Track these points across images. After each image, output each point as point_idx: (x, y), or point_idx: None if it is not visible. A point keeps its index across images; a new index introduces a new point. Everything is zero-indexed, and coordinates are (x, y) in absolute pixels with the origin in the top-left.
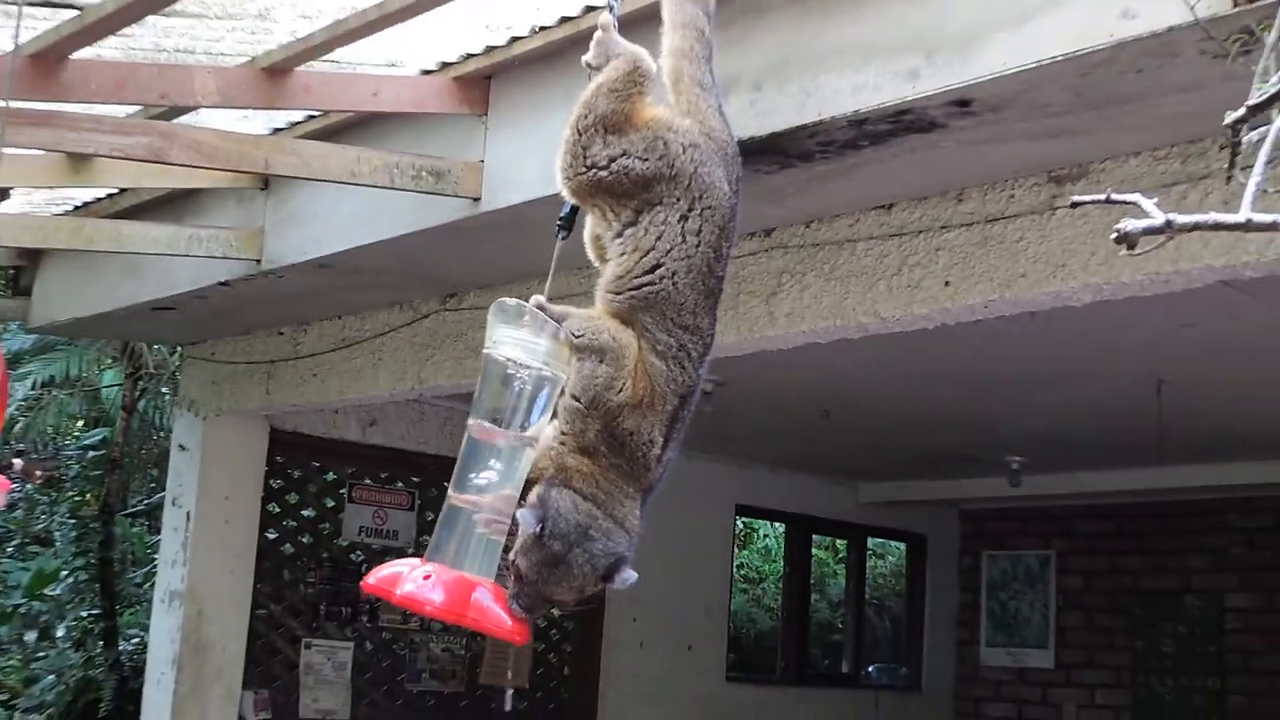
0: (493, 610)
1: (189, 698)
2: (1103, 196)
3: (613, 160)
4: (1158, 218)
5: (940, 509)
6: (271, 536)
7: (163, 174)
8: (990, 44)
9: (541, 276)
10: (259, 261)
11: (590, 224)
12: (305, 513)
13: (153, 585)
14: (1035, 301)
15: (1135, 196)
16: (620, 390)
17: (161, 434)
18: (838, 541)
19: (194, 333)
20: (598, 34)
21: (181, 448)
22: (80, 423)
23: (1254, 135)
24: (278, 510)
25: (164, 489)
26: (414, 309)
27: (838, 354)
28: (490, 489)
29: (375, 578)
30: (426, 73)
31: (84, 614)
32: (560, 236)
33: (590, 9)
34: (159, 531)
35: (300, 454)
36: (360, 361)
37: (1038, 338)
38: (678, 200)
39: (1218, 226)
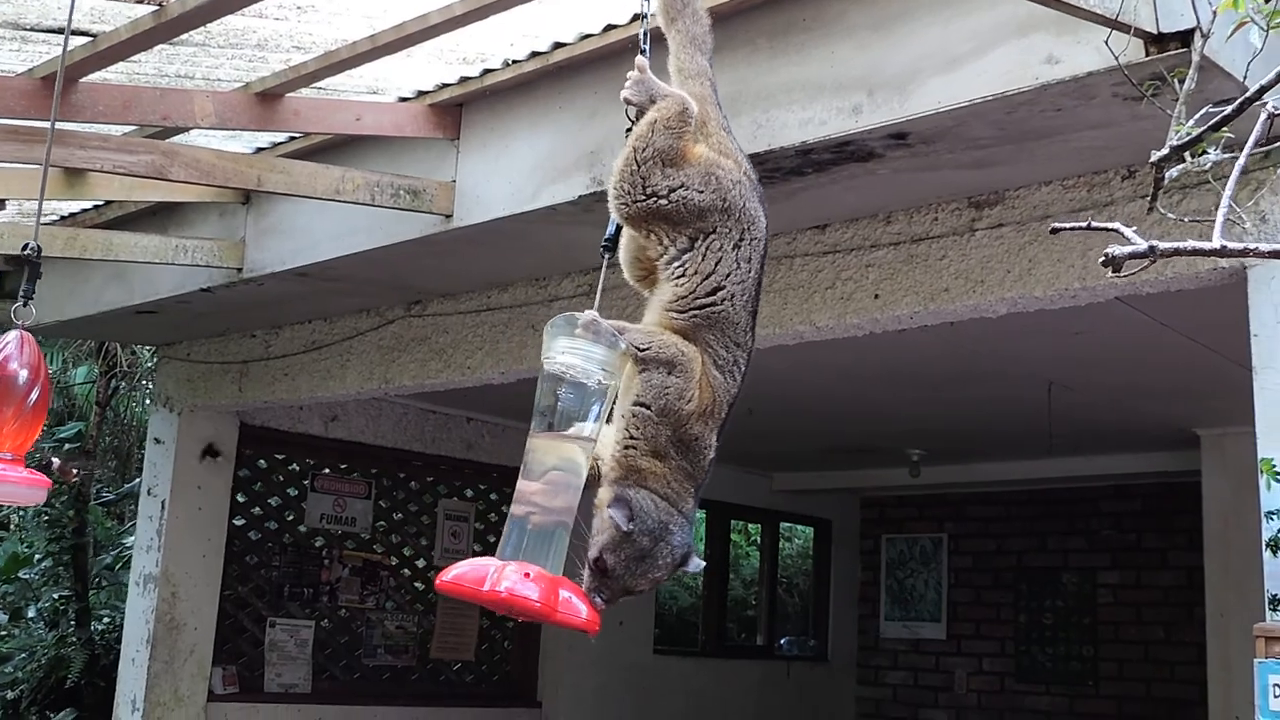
0: (577, 604)
1: (162, 674)
2: (1084, 224)
3: (672, 191)
4: (1140, 244)
5: (845, 496)
6: (239, 523)
7: (153, 188)
8: (927, 84)
9: (502, 285)
10: (240, 270)
11: (632, 247)
12: (271, 501)
13: (121, 569)
14: (956, 313)
15: (1116, 225)
16: (690, 400)
17: (131, 429)
18: (751, 526)
19: (172, 334)
20: (634, 74)
21: (156, 441)
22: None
23: (1174, 171)
24: (245, 499)
25: (132, 480)
26: (381, 315)
27: (759, 357)
28: (554, 490)
29: (454, 576)
30: (404, 99)
31: (56, 595)
32: (606, 256)
33: (559, 45)
34: (127, 519)
35: (267, 447)
36: (329, 363)
37: (944, 341)
38: (730, 230)
39: (1195, 252)
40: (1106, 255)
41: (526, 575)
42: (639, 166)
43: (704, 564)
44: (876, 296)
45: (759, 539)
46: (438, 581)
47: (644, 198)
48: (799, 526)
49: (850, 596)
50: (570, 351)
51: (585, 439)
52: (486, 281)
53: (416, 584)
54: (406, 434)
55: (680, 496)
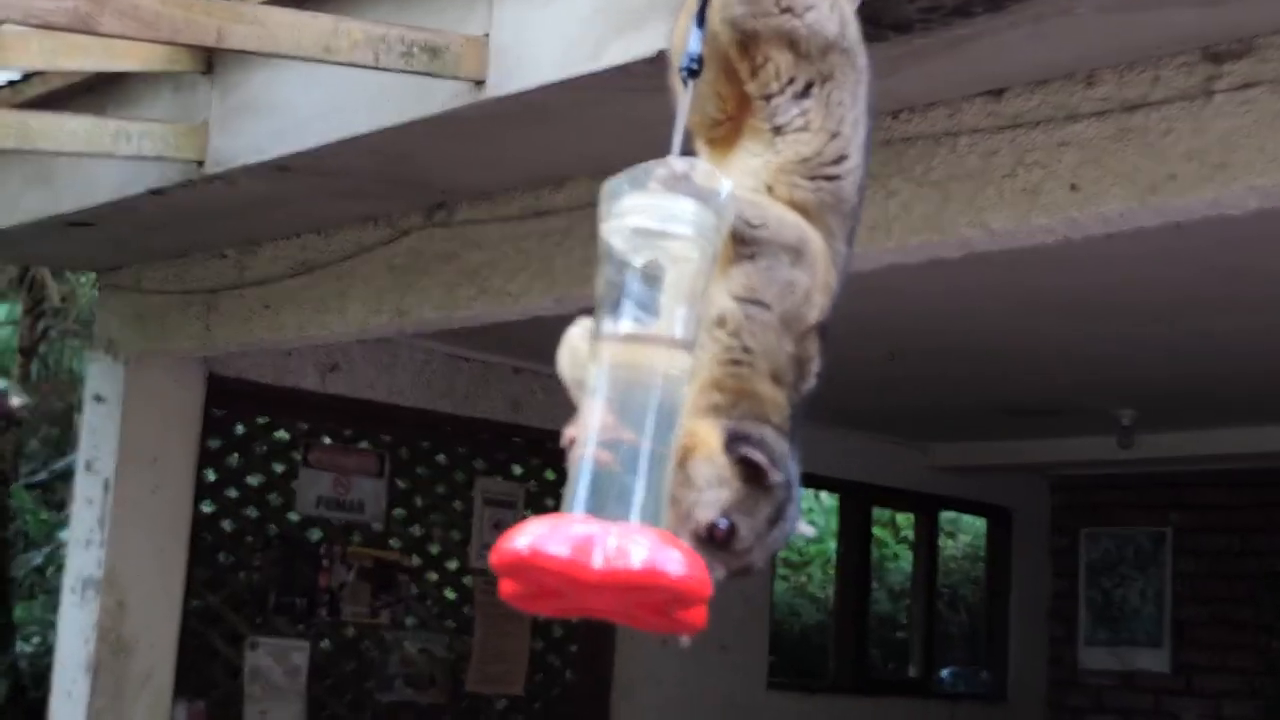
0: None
1: (107, 712)
2: None
3: (807, 9)
4: None
5: (1029, 475)
6: (209, 510)
7: (82, 53)
8: None
9: (555, 181)
10: (201, 164)
11: (716, 83)
12: (250, 480)
13: (58, 572)
14: (1186, 210)
15: None
16: (815, 306)
17: (69, 384)
18: (900, 516)
19: (115, 255)
20: None
21: (97, 399)
22: None
23: None
24: (216, 477)
25: (71, 452)
26: (393, 224)
27: (908, 278)
28: (641, 418)
29: (531, 544)
30: None
31: None
32: (689, 81)
33: None
34: (64, 506)
35: (244, 406)
36: (324, 290)
37: (1168, 252)
38: (847, 80)
39: None
40: None
41: (642, 533)
42: None
43: (814, 529)
44: (1074, 188)
45: (911, 535)
46: (496, 560)
47: (776, 11)
48: (966, 517)
49: (1037, 613)
50: (644, 212)
51: (681, 342)
52: (533, 177)
53: (446, 591)
54: (431, 389)
55: (790, 439)
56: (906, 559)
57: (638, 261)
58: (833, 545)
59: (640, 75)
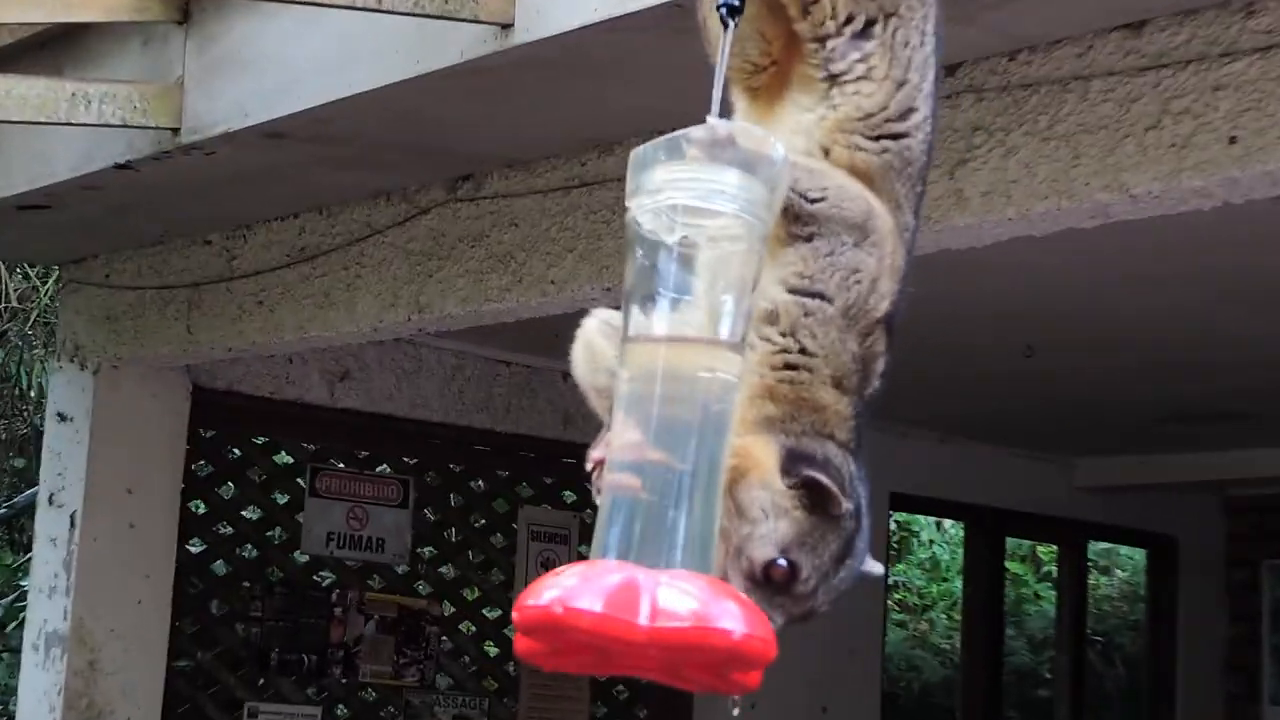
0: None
1: None
2: None
3: None
4: None
5: (1198, 496)
6: (197, 550)
7: (33, 1)
8: None
9: (608, 143)
10: (176, 131)
11: (759, 18)
12: (247, 513)
13: (17, 628)
14: None
15: None
16: (883, 295)
17: (26, 402)
18: (1041, 549)
19: (78, 245)
20: None
21: (61, 418)
22: None
23: None
24: (205, 510)
25: (32, 484)
26: (409, 200)
27: (1047, 253)
28: (685, 437)
29: (560, 595)
30: None
31: None
32: (733, 22)
33: None
34: (27, 547)
35: (238, 425)
36: (328, 281)
37: None
38: (915, 13)
39: None
40: None
41: (691, 582)
42: None
43: (882, 568)
44: (1233, 140)
45: (1054, 570)
46: (521, 618)
47: None
48: (1121, 549)
49: (1211, 665)
50: (682, 186)
51: (728, 342)
52: (576, 140)
53: (486, 645)
54: (463, 400)
55: (856, 456)
56: (1049, 600)
57: (673, 244)
58: (958, 584)
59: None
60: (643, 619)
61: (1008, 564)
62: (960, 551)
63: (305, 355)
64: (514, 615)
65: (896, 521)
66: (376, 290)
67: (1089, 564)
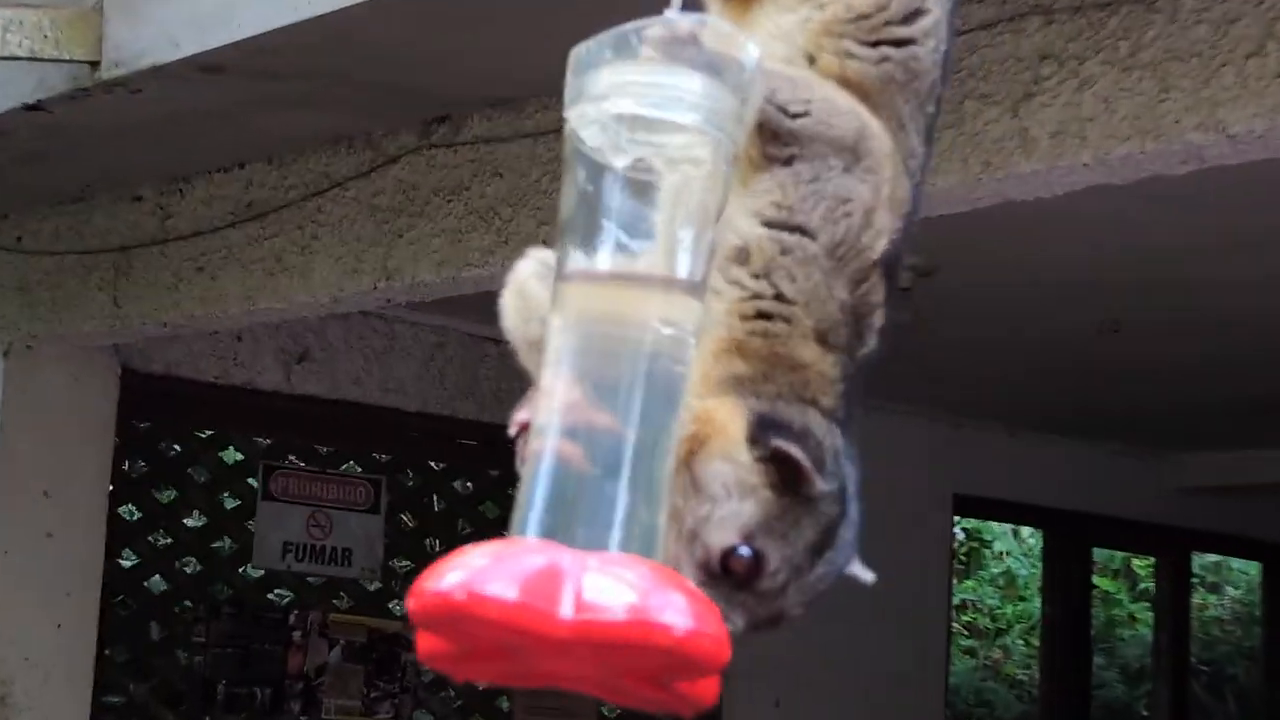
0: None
1: None
2: None
3: None
4: None
5: None
6: (130, 564)
7: None
8: None
9: None
10: (96, 65)
11: None
12: (189, 520)
13: None
14: None
15: None
16: (879, 232)
17: None
18: (1136, 561)
19: None
20: None
21: None
22: None
23: None
24: (139, 516)
25: None
26: (375, 147)
27: (1130, 206)
28: (622, 394)
29: (465, 579)
30: None
31: None
32: None
33: None
34: None
35: (176, 415)
36: (280, 243)
37: None
38: None
39: None
40: None
41: (629, 566)
42: None
43: (873, 576)
44: None
45: (1151, 587)
46: (415, 605)
47: None
48: (1232, 561)
49: None
50: (629, 93)
51: (686, 284)
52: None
53: None
54: (443, 385)
55: (845, 429)
56: (1146, 622)
57: (621, 164)
58: (1037, 604)
59: None
60: (565, 610)
61: (1096, 579)
62: (1039, 565)
63: (256, 332)
64: (408, 603)
65: (964, 530)
66: (337, 253)
67: (1193, 580)
